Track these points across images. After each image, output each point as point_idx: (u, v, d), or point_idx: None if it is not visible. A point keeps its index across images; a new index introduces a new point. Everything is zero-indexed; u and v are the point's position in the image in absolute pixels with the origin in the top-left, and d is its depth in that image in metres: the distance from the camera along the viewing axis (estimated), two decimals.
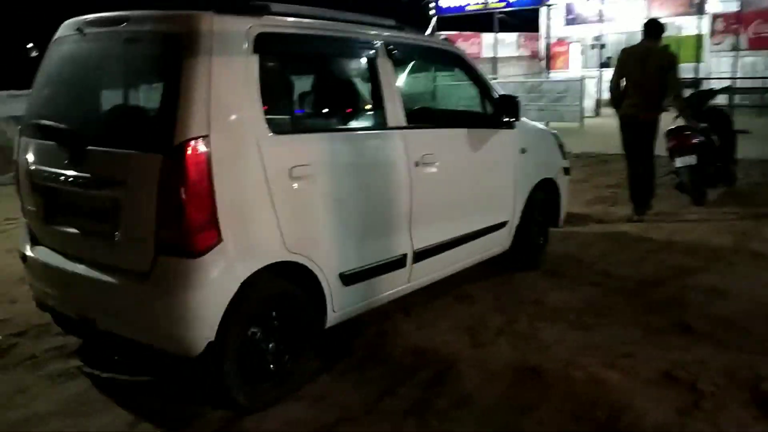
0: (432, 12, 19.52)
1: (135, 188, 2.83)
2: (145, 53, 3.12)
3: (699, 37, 17.26)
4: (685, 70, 18.64)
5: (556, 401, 3.12)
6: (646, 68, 6.38)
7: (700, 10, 17.18)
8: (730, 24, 18.34)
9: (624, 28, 21.20)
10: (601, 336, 3.86)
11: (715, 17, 19.38)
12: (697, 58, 16.65)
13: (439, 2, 19.49)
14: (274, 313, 3.12)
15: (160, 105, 2.83)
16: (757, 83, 17.65)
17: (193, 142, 2.69)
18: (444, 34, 22.06)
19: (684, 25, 19.67)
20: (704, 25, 18.08)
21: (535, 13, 21.66)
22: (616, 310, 4.28)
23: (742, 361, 3.46)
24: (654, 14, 20.69)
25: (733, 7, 17.48)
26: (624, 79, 6.61)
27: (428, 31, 18.83)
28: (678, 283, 4.73)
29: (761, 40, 18.74)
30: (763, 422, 2.92)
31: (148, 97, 3.41)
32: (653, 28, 6.58)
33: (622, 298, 4.50)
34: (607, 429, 2.90)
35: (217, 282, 2.80)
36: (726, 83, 16.48)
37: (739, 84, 17.08)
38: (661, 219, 6.71)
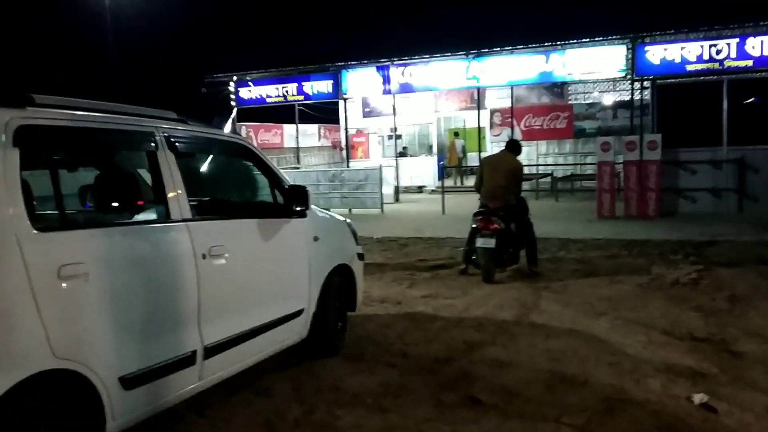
0: (233, 103, 19.61)
1: None
2: None
3: (480, 129, 19.06)
4: (472, 159, 20.58)
5: None
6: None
7: (479, 106, 19.02)
8: (505, 118, 20.50)
9: (416, 120, 22.93)
10: (396, 417, 3.93)
11: (493, 112, 21.66)
12: (480, 148, 18.33)
13: (239, 94, 19.66)
14: (42, 428, 2.81)
15: None
16: (533, 170, 19.78)
17: None
18: (245, 125, 22.31)
19: (468, 119, 21.67)
20: (484, 119, 20.02)
21: (335, 105, 22.62)
22: (412, 389, 4.40)
23: (522, 430, 3.69)
24: (441, 109, 22.74)
25: (507, 103, 19.56)
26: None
27: (228, 122, 18.84)
28: (467, 358, 5.00)
29: (532, 132, 21.19)
30: None
31: None
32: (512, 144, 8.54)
33: (418, 377, 4.64)
34: None
35: None
36: None
37: None
38: (453, 297, 7.12)
